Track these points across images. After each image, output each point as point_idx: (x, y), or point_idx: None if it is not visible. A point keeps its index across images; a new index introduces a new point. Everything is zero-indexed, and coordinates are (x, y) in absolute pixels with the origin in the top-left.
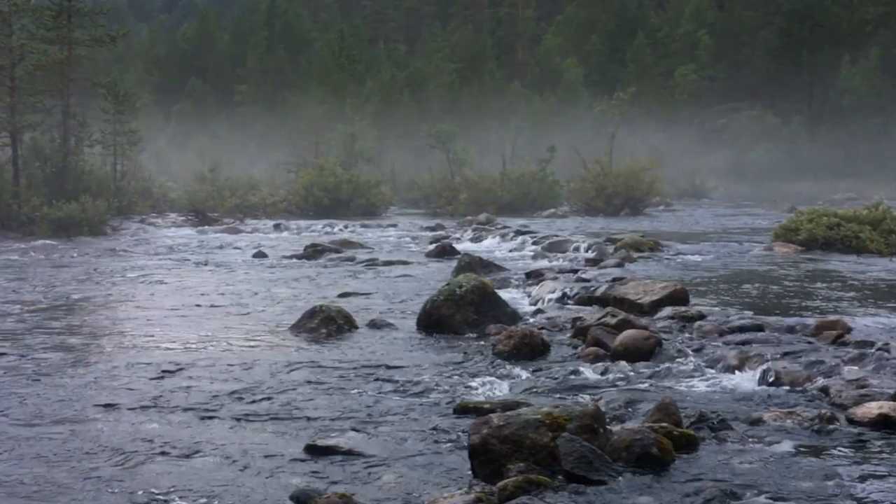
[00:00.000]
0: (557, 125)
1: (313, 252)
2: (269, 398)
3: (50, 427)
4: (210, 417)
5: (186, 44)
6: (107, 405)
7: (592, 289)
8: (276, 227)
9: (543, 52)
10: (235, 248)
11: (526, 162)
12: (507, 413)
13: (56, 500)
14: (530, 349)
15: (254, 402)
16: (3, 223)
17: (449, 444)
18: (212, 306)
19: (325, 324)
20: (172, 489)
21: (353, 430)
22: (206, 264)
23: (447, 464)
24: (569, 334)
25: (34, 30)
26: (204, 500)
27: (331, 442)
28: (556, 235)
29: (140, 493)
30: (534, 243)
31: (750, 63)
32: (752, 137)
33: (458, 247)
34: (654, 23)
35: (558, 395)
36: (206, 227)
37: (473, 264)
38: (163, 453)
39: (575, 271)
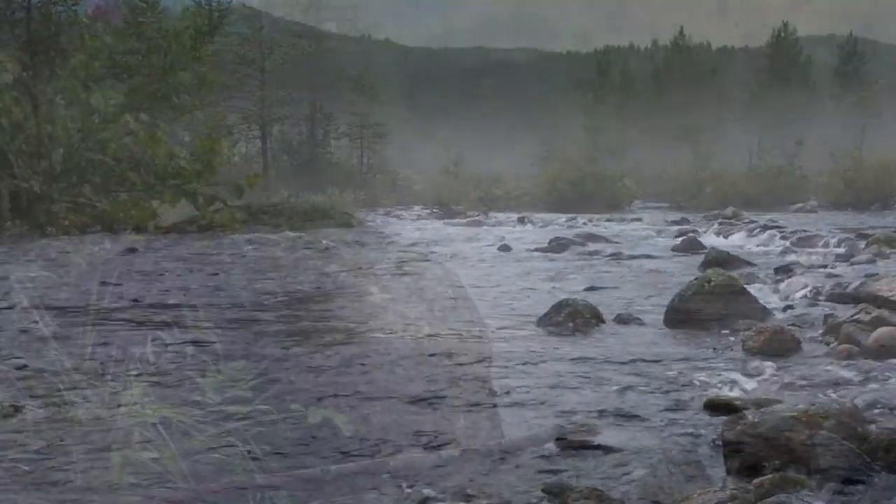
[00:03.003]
0: (804, 119)
1: (558, 246)
2: (517, 390)
3: (298, 416)
4: (460, 408)
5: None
6: (355, 395)
7: (844, 285)
8: (520, 220)
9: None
10: (480, 240)
11: (772, 156)
12: (762, 410)
13: (318, 491)
14: (781, 346)
15: (502, 394)
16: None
17: (699, 441)
18: (458, 298)
19: (572, 317)
20: (423, 478)
21: (603, 424)
22: (451, 257)
23: (697, 460)
24: (820, 331)
25: (284, 23)
26: (455, 491)
27: (580, 436)
28: (805, 231)
29: (391, 481)
30: (781, 238)
31: None
32: None
33: (704, 241)
34: None
35: (811, 393)
36: (451, 219)
37: (721, 259)
38: (413, 444)
39: (825, 267)
